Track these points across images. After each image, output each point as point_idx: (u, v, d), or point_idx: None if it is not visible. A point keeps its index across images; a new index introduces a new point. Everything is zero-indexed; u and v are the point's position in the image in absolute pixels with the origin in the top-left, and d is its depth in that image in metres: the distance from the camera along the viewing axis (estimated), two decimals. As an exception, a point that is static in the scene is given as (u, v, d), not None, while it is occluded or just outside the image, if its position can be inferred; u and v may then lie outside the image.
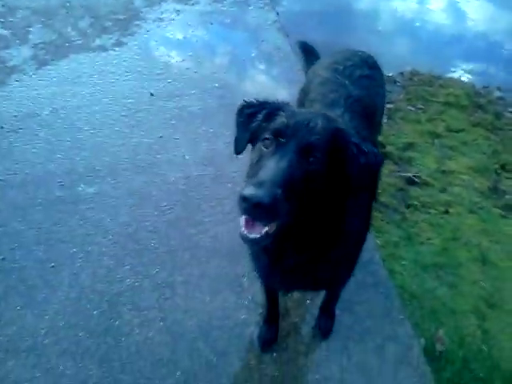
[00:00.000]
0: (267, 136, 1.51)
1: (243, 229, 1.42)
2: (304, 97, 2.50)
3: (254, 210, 1.31)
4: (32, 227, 2.97)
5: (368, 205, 2.06)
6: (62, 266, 2.77)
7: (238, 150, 1.73)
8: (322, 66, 2.53)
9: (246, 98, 1.75)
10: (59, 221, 3.01)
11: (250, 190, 1.30)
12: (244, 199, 1.30)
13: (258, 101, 1.70)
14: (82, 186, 3.20)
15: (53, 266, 2.77)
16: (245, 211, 1.34)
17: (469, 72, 5.07)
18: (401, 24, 6.17)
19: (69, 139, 3.54)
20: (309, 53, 3.17)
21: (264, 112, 1.63)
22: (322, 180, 1.47)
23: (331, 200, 1.54)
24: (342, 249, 1.79)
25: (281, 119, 1.52)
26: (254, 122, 1.64)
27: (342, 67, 2.38)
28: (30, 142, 3.52)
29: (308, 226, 1.57)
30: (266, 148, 1.50)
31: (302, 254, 1.70)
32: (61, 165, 3.35)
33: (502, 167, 3.63)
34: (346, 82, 2.29)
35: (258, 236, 1.41)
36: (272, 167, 1.38)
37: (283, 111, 1.57)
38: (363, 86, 2.30)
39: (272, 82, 4.23)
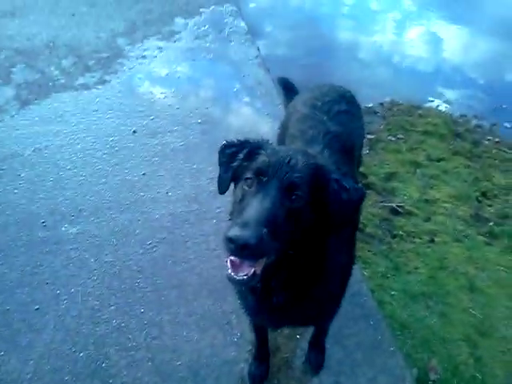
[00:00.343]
0: (249, 175, 1.52)
1: (230, 270, 1.41)
2: (284, 132, 2.54)
3: (240, 250, 1.31)
4: (15, 269, 2.92)
5: (351, 239, 2.07)
6: (47, 309, 2.71)
7: (222, 190, 1.74)
8: (300, 101, 2.57)
9: (227, 138, 1.77)
10: (43, 262, 2.95)
11: (235, 231, 1.30)
12: (230, 240, 1.30)
13: (238, 140, 1.72)
14: (65, 226, 3.16)
15: (37, 309, 2.71)
16: (231, 252, 1.34)
17: (446, 101, 5.21)
18: (380, 56, 6.34)
19: (51, 179, 3.51)
20: (288, 89, 3.23)
21: (245, 151, 1.64)
22: (305, 217, 1.48)
23: (314, 236, 1.55)
24: (327, 284, 1.80)
25: (262, 158, 1.54)
26: (236, 161, 1.65)
27: (320, 103, 2.41)
28: (12, 182, 3.48)
29: (292, 262, 1.57)
30: (249, 187, 1.50)
31: (288, 292, 1.70)
32: (43, 205, 3.31)
33: (483, 194, 3.69)
34: (325, 117, 2.32)
35: (246, 277, 1.41)
36: (256, 206, 1.39)
37: (264, 150, 1.58)
38: (341, 121, 2.34)
39: (254, 117, 4.27)
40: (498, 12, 7.75)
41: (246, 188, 1.51)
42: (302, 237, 1.50)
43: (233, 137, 3.88)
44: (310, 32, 6.56)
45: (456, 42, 6.73)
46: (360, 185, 1.69)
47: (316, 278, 1.71)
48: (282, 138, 2.58)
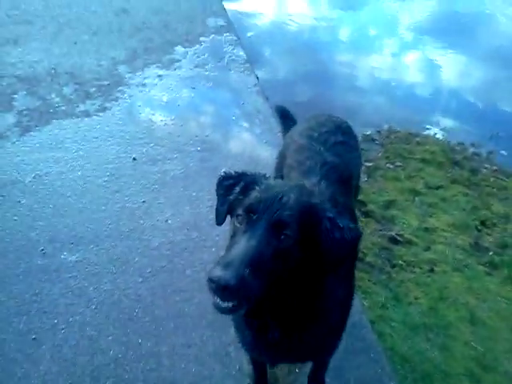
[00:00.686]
0: (240, 212, 1.53)
1: (216, 297, 1.42)
2: (282, 161, 2.56)
3: (221, 291, 1.33)
4: (12, 297, 2.89)
5: (350, 272, 2.05)
6: (44, 339, 2.68)
7: (219, 222, 1.76)
8: (297, 132, 2.60)
9: (226, 166, 1.79)
10: (41, 290, 2.93)
11: (216, 272, 1.32)
12: (211, 280, 1.33)
13: (236, 172, 1.74)
14: (64, 253, 3.15)
15: (34, 339, 2.68)
16: (213, 292, 1.36)
17: (443, 129, 5.26)
18: (378, 83, 6.44)
19: (51, 206, 3.51)
20: (285, 117, 3.27)
21: (241, 184, 1.65)
22: (294, 256, 1.48)
23: (306, 274, 1.54)
24: (326, 321, 1.79)
25: (254, 194, 1.54)
26: (232, 194, 1.67)
27: (316, 134, 2.44)
28: (11, 209, 3.48)
29: (286, 300, 1.57)
30: (240, 224, 1.51)
31: (284, 329, 1.69)
32: (43, 232, 3.30)
33: (482, 223, 3.69)
34: (321, 148, 2.34)
35: (231, 305, 1.40)
36: (241, 246, 1.40)
37: (258, 185, 1.59)
38: (338, 152, 2.36)
39: (253, 145, 4.30)
40: (492, 40, 7.90)
41: (238, 225, 1.52)
42: (290, 276, 1.49)
43: (232, 164, 3.92)
44: (308, 60, 6.68)
45: (452, 70, 6.84)
46: (356, 224, 1.67)
47: (313, 314, 1.69)
48: (280, 168, 2.60)
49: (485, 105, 6.19)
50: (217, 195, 1.76)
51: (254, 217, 1.47)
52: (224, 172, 1.77)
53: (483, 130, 5.39)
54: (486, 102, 6.26)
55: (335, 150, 2.37)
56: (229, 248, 1.46)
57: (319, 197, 1.71)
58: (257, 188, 1.57)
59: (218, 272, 1.32)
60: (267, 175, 1.73)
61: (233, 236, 1.52)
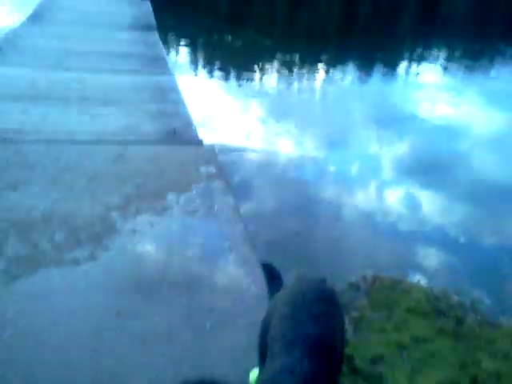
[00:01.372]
0: None
1: None
2: (266, 329, 2.56)
3: None
4: None
5: None
6: None
7: None
8: (281, 299, 2.63)
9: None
10: None
11: None
12: None
13: (197, 381, 1.81)
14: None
15: None
16: None
17: (426, 275, 5.39)
18: (361, 221, 6.73)
19: (29, 362, 3.39)
20: (272, 276, 3.32)
21: None
22: None
23: None
24: None
25: None
26: None
27: (300, 302, 2.47)
28: (-15, 369, 3.37)
29: None
30: None
31: None
32: (16, 396, 3.16)
33: (473, 382, 3.60)
34: (304, 319, 2.36)
35: None
36: None
37: None
38: (321, 324, 2.36)
39: (237, 292, 4.33)
40: (469, 177, 8.43)
41: None
42: None
43: (217, 317, 3.87)
44: (294, 197, 7.17)
45: (433, 210, 7.21)
46: None
47: None
48: (264, 335, 2.60)
49: (467, 246, 6.42)
50: None
51: None
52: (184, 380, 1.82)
53: (466, 275, 5.52)
54: (466, 240, 6.52)
55: (318, 320, 2.38)
56: None
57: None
58: None
59: None
60: None
61: None
